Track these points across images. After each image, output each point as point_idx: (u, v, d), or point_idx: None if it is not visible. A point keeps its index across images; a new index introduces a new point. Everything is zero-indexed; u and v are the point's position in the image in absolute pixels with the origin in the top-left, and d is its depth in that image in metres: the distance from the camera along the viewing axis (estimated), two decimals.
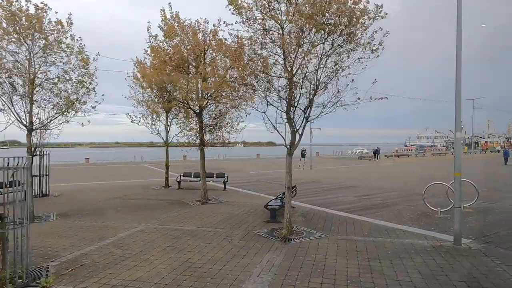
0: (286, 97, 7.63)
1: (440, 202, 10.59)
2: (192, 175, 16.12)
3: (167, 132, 15.99)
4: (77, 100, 10.36)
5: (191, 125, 11.60)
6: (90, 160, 39.18)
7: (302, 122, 7.60)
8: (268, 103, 7.56)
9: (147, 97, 12.47)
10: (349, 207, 10.88)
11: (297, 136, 7.65)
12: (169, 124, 15.78)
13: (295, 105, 7.57)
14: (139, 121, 15.36)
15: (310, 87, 7.47)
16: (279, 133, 7.65)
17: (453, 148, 76.07)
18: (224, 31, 11.69)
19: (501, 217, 9.17)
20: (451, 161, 41.55)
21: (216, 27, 11.25)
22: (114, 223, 8.83)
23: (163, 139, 16.19)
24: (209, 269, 5.49)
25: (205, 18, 11.39)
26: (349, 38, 7.09)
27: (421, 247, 6.53)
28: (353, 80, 7.56)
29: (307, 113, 7.48)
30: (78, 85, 10.08)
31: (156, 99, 11.51)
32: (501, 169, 27.07)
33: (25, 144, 10.16)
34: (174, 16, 11.43)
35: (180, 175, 16.23)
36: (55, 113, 9.91)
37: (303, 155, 28.40)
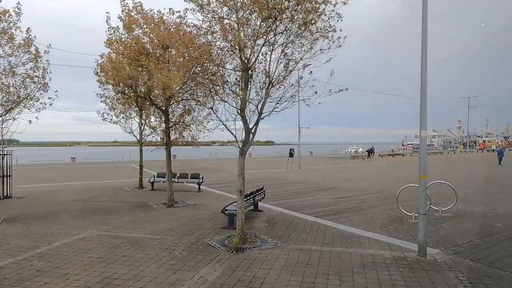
0: (240, 91, 6.93)
1: (417, 205, 9.89)
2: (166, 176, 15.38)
3: (141, 130, 15.28)
4: (28, 96, 9.68)
5: (151, 123, 10.90)
6: (77, 159, 38.46)
7: (258, 118, 6.90)
8: (214, 97, 6.85)
9: (112, 93, 11.75)
10: (322, 211, 10.18)
11: (250, 134, 6.94)
12: (143, 122, 15.08)
13: (248, 100, 6.87)
14: (111, 119, 14.63)
15: (266, 80, 6.77)
16: (229, 131, 6.93)
17: (450, 147, 75.46)
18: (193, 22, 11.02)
19: (480, 222, 8.47)
20: (445, 160, 40.91)
21: (181, 19, 10.53)
22: (59, 229, 8.13)
23: (136, 137, 15.50)
24: (129, 286, 4.79)
25: (170, 9, 10.68)
26: (304, 26, 6.38)
27: (381, 259, 5.83)
28: (311, 72, 6.88)
29: (260, 109, 6.77)
30: (27, 79, 9.39)
31: (119, 95, 10.80)
32: (494, 169, 26.37)
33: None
34: (137, 5, 10.72)
35: (154, 176, 15.53)
36: (2, 111, 9.24)
37: (291, 155, 27.67)
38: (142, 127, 15.17)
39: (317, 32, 6.36)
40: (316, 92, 6.62)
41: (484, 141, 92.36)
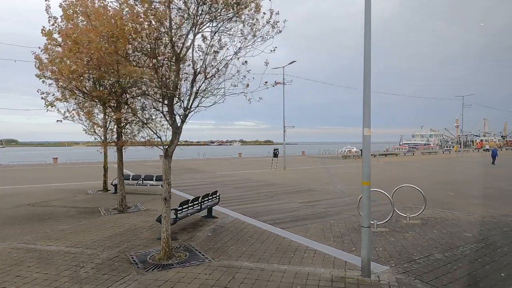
0: (169, 83, 6.06)
1: (383, 211, 9.05)
2: (131, 177, 14.54)
3: (106, 129, 14.36)
4: None
5: (93, 121, 10.05)
6: (65, 159, 37.57)
7: (184, 115, 6.02)
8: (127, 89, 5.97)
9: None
10: (281, 217, 9.30)
11: (177, 133, 6.06)
12: (108, 120, 14.16)
13: (176, 94, 6.00)
14: (73, 117, 13.66)
15: (191, 71, 5.90)
16: (152, 130, 6.07)
17: (446, 147, 74.55)
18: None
19: (447, 231, 7.59)
20: (438, 160, 39.93)
21: (133, 10, 9.61)
22: None
23: (100, 137, 14.57)
24: None
25: None
26: (237, 8, 5.52)
27: (315, 281, 4.94)
28: (246, 62, 6.01)
29: (187, 105, 5.89)
30: None
31: (61, 91, 9.93)
32: (485, 170, 25.44)
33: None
34: None
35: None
36: None
37: (275, 155, 26.73)
38: (108, 126, 14.27)
39: (241, 19, 5.50)
40: (247, 85, 5.77)
41: (481, 140, 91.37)
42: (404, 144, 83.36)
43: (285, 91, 28.08)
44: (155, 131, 5.97)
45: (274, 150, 27.17)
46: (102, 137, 11.56)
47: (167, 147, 6.01)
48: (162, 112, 5.80)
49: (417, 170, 25.22)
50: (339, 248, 6.50)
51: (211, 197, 9.00)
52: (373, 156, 45.14)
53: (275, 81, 5.84)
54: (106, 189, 14.80)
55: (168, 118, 5.82)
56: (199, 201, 8.23)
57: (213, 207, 9.33)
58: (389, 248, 6.43)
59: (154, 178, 14.21)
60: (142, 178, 14.25)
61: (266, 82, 5.80)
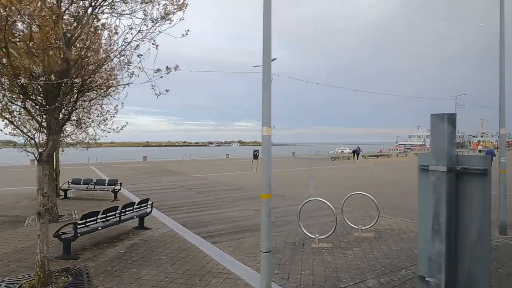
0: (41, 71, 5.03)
1: (329, 224, 8.01)
2: (82, 182, 13.50)
3: (60, 128, 13.32)
4: None
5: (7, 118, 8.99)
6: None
7: (58, 112, 5.01)
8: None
9: None
10: (223, 228, 8.27)
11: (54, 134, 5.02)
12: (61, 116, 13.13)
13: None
14: None
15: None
16: (20, 130, 5.05)
17: None
18: None
19: (398, 248, 6.53)
20: None
21: None
22: None
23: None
24: None
25: None
26: None
27: None
28: (138, 46, 4.98)
29: (61, 99, 4.86)
30: None
31: None
32: None
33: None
34: None
35: (68, 182, 13.62)
36: None
37: (255, 157, 25.59)
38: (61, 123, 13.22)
39: None
40: (133, 74, 4.72)
41: (478, 141, 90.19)
42: (400, 144, 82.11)
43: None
44: (15, 125, 4.92)
45: (254, 151, 26.03)
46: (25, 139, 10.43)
47: (41, 150, 4.97)
48: (25, 107, 4.76)
49: (404, 171, 24.17)
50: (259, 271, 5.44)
51: (138, 206, 7.94)
52: (363, 157, 44.14)
53: (167, 66, 4.79)
54: (58, 194, 13.74)
55: (32, 114, 4.77)
56: (118, 212, 7.16)
57: (145, 217, 8.28)
58: (318, 271, 5.38)
59: (106, 182, 13.15)
60: (94, 183, 13.20)
61: (158, 70, 4.76)
